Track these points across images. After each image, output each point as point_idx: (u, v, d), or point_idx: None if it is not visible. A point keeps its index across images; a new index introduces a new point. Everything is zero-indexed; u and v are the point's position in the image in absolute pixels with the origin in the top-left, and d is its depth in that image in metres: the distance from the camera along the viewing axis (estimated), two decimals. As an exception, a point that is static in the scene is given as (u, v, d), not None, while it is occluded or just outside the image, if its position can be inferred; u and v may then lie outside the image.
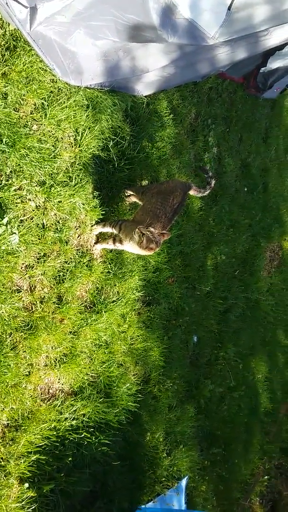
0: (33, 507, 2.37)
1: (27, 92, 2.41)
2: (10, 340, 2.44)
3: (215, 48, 3.37)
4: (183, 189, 2.93)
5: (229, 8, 2.91)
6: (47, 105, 2.53)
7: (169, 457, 3.60)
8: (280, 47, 4.07)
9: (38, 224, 2.56)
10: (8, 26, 2.34)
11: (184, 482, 3.66)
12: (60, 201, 2.63)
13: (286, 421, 6.17)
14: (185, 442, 3.79)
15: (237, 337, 4.76)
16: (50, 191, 2.57)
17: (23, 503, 2.35)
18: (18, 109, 2.42)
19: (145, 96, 3.27)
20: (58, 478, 2.58)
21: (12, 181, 2.38)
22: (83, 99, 2.70)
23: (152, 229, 2.51)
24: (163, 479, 3.50)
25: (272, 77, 4.79)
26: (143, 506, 3.16)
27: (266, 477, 5.46)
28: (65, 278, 2.73)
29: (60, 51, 2.52)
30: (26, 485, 2.40)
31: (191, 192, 3.07)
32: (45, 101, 2.51)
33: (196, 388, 4.09)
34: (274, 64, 4.58)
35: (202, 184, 3.27)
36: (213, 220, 4.35)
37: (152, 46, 2.90)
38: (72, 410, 2.74)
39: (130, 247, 2.72)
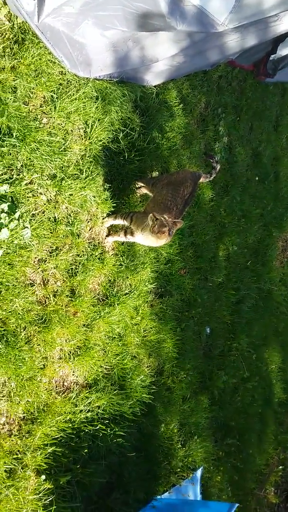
0: (50, 498, 2.40)
1: (36, 85, 2.40)
2: (25, 334, 2.45)
3: (224, 35, 3.33)
4: (193, 179, 2.90)
5: (238, -6, 2.87)
6: (57, 97, 2.51)
7: (183, 448, 3.61)
8: (291, 33, 4.00)
9: (50, 217, 2.56)
10: (16, 19, 2.32)
11: (199, 472, 3.68)
12: (71, 194, 2.63)
13: (300, 411, 6.15)
14: (199, 433, 3.80)
15: (250, 327, 4.73)
16: (61, 184, 2.56)
17: (40, 495, 2.38)
18: (28, 103, 2.41)
19: (155, 86, 3.24)
20: (75, 470, 2.60)
21: (23, 175, 2.38)
22: (92, 91, 2.69)
23: (165, 216, 2.49)
24: (178, 470, 3.51)
25: (282, 63, 4.71)
26: (158, 497, 3.18)
27: (280, 467, 5.45)
28: (77, 271, 2.73)
29: (69, 42, 2.51)
30: (43, 477, 2.42)
31: (201, 180, 3.05)
32: (54, 93, 2.50)
33: (209, 379, 4.09)
34: (284, 50, 4.50)
35: (207, 169, 3.23)
36: (224, 210, 4.31)
37: (161, 35, 2.87)
38: (87, 402, 2.75)
39: (142, 237, 2.70)
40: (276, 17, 3.49)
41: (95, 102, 2.71)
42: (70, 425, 2.62)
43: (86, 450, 2.66)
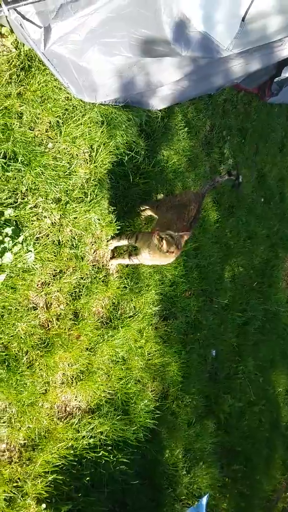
0: (51, 528, 2.34)
1: (42, 110, 2.43)
2: (27, 359, 2.43)
3: (229, 60, 3.36)
4: (197, 201, 2.89)
5: (243, 19, 2.90)
6: (62, 122, 2.54)
7: (188, 475, 3.53)
8: (295, 57, 4.03)
9: (54, 241, 2.56)
10: (23, 46, 2.36)
11: (204, 500, 3.58)
12: (75, 217, 2.64)
13: (308, 435, 6.03)
14: (205, 459, 3.72)
15: (256, 350, 4.68)
16: (65, 207, 2.57)
17: (40, 524, 2.33)
18: (33, 128, 2.43)
19: (160, 110, 3.26)
20: (76, 498, 2.54)
21: (27, 199, 2.39)
22: (97, 116, 2.71)
23: (170, 232, 2.47)
24: (183, 497, 3.43)
25: (286, 83, 4.75)
26: (162, 526, 3.10)
27: (288, 493, 5.32)
28: (81, 294, 2.72)
29: (75, 69, 2.54)
30: (44, 506, 2.37)
31: (210, 189, 3.04)
32: (60, 119, 2.53)
33: (215, 403, 4.02)
34: (288, 73, 4.54)
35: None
36: (230, 231, 4.30)
37: (166, 61, 2.90)
38: (89, 428, 2.71)
39: (149, 257, 2.67)
40: (280, 42, 3.53)
41: (101, 127, 2.74)
42: (72, 451, 2.57)
43: (88, 478, 2.61)
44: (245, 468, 4.37)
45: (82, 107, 2.64)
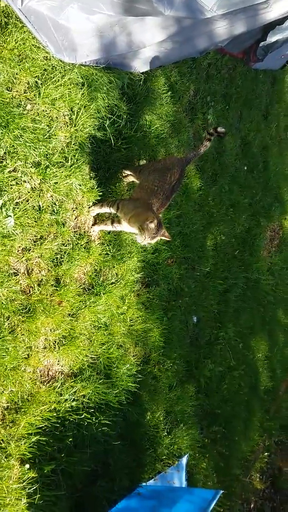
0: (34, 487, 2.40)
1: (20, 70, 2.35)
2: (8, 324, 2.43)
3: (213, 22, 3.28)
4: (180, 165, 2.87)
5: (228, -21, 2.83)
6: (41, 83, 2.46)
7: (169, 436, 3.64)
8: (280, 21, 3.96)
9: (34, 206, 2.52)
10: (-1, 1, 2.26)
11: (184, 460, 3.71)
12: (56, 183, 2.59)
13: (285, 399, 6.23)
14: (185, 421, 3.83)
15: (237, 317, 4.76)
16: (45, 172, 2.52)
17: (24, 483, 2.38)
18: (11, 88, 2.36)
19: (142, 73, 3.18)
20: (59, 459, 2.60)
21: (6, 162, 2.34)
22: (78, 77, 2.63)
23: (152, 226, 2.47)
24: (164, 457, 3.54)
25: (271, 48, 4.67)
26: (144, 484, 3.21)
27: (266, 453, 5.54)
28: (62, 261, 2.71)
29: (53, 27, 2.45)
30: (27, 466, 2.42)
31: (195, 157, 3.00)
32: (38, 79, 2.45)
33: (196, 367, 4.11)
34: (274, 37, 4.46)
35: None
36: (212, 200, 4.30)
37: (148, 21, 2.82)
38: (72, 392, 2.75)
39: (128, 227, 2.69)
40: (266, 4, 3.46)
41: (81, 89, 2.67)
42: (55, 414, 2.61)
43: (71, 439, 2.66)
44: (224, 429, 4.51)
45: (61, 67, 2.56)
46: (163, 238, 2.62)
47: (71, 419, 2.70)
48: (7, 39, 2.29)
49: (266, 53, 4.66)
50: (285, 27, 4.20)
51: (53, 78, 2.51)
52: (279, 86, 5.69)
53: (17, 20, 2.32)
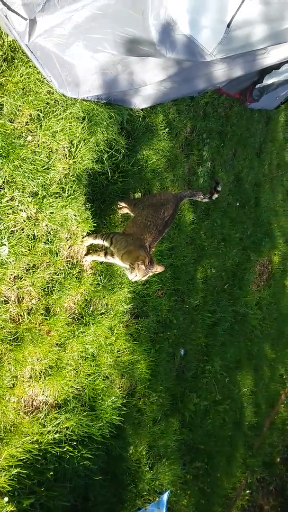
0: (12, 522, 2.34)
1: (23, 103, 2.41)
2: (-4, 352, 2.42)
3: (212, 65, 3.39)
4: (174, 201, 2.93)
5: (228, 26, 2.93)
6: (43, 116, 2.52)
7: (151, 471, 3.58)
8: (278, 66, 4.10)
9: (29, 235, 2.54)
10: (7, 37, 2.33)
11: (165, 496, 3.64)
12: (52, 212, 2.62)
13: (269, 435, 6.18)
14: (168, 456, 3.78)
15: (224, 350, 4.76)
16: (42, 202, 2.55)
17: (1, 517, 2.32)
18: (13, 120, 2.41)
19: (142, 109, 3.27)
20: (39, 492, 2.54)
21: (4, 191, 2.37)
22: (79, 111, 2.70)
23: (143, 267, 2.50)
24: (145, 493, 3.48)
25: (267, 90, 4.83)
26: (123, 521, 3.14)
27: (247, 491, 5.45)
28: (53, 290, 2.71)
29: (58, 62, 2.52)
30: (6, 499, 2.36)
31: (189, 198, 3.09)
32: (41, 112, 2.51)
33: (181, 401, 4.08)
34: (270, 80, 4.61)
35: (204, 191, 3.26)
36: (204, 233, 4.36)
37: (150, 61, 2.91)
38: (55, 423, 2.71)
39: (121, 263, 2.72)
40: (264, 50, 3.58)
41: (82, 123, 2.73)
42: (37, 446, 2.57)
43: (51, 472, 2.61)
44: (207, 465, 4.46)
45: (64, 101, 2.62)
46: (156, 272, 2.64)
47: (53, 452, 2.66)
48: (12, 72, 2.35)
49: (262, 94, 4.81)
50: (281, 71, 4.36)
51: (55, 111, 2.57)
52: (273, 126, 5.85)
53: (23, 55, 2.39)
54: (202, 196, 3.13)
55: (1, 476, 2.39)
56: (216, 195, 3.15)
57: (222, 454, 4.83)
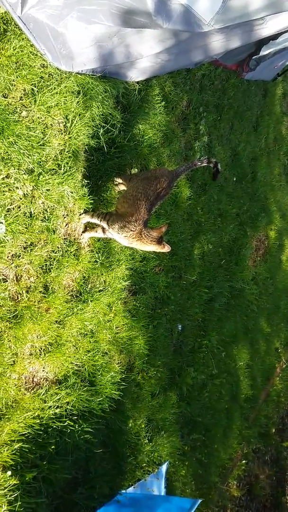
0: (16, 494, 2.39)
1: (17, 77, 2.35)
2: (-5, 330, 2.43)
3: (209, 36, 3.31)
4: (169, 177, 2.88)
5: (225, -5, 2.86)
6: (37, 91, 2.46)
7: (150, 443, 3.66)
8: (275, 37, 4.02)
9: (26, 212, 2.52)
10: (-1, 8, 2.26)
11: (164, 467, 3.73)
12: (48, 190, 2.59)
13: (264, 407, 6.31)
14: (166, 429, 3.85)
15: (220, 325, 4.81)
16: (38, 179, 2.52)
17: (5, 490, 2.37)
18: (7, 95, 2.35)
19: (137, 83, 3.21)
20: (41, 466, 2.60)
21: (-1, 169, 2.33)
22: (74, 85, 2.64)
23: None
24: (144, 464, 3.56)
25: (263, 59, 4.74)
26: (123, 491, 3.22)
27: (243, 461, 5.60)
28: (51, 268, 2.71)
29: (52, 35, 2.45)
30: (9, 473, 2.41)
31: (186, 171, 3.06)
32: (35, 87, 2.45)
33: (179, 375, 4.14)
34: (267, 51, 4.52)
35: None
36: (201, 209, 4.34)
37: (146, 33, 2.83)
38: (56, 399, 2.75)
39: (122, 239, 2.69)
40: (261, 20, 3.50)
41: (77, 97, 2.67)
42: (38, 421, 2.61)
43: (53, 446, 2.66)
44: (204, 437, 4.56)
45: (58, 75, 2.56)
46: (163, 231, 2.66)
47: (54, 426, 2.70)
48: (5, 46, 2.29)
49: (258, 63, 4.72)
50: (279, 41, 4.27)
51: (50, 85, 2.51)
52: (270, 99, 5.77)
53: (16, 27, 2.32)
54: (199, 163, 3.05)
55: (4, 450, 2.43)
56: (219, 175, 3.11)
57: (219, 426, 4.94)
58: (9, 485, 2.39)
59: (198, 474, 4.45)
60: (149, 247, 2.65)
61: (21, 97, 2.42)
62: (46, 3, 2.27)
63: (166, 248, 2.65)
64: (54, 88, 2.54)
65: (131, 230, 2.58)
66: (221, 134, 4.65)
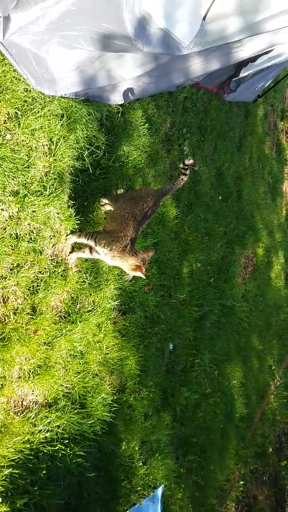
0: (6, 522, 2.33)
1: (0, 101, 2.39)
2: (-17, 353, 2.40)
3: (189, 59, 3.41)
4: (155, 195, 2.93)
5: (203, 19, 2.95)
6: (21, 114, 2.50)
7: (144, 466, 3.59)
8: (253, 59, 4.14)
9: (12, 234, 2.53)
10: (-19, 35, 2.31)
11: (160, 490, 3.66)
12: (34, 211, 2.61)
13: (260, 426, 6.24)
14: (160, 450, 3.79)
15: (212, 343, 4.80)
16: (23, 201, 2.54)
17: (-5, 519, 2.31)
18: (-9, 119, 2.39)
19: (120, 105, 3.27)
20: (32, 492, 2.53)
21: (-16, 191, 2.35)
22: (57, 109, 2.69)
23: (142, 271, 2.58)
24: (139, 488, 3.49)
25: (243, 81, 4.87)
26: (118, 517, 3.15)
27: (241, 482, 5.50)
28: (39, 289, 2.70)
29: (34, 60, 2.51)
30: (-1, 500, 2.36)
31: (173, 190, 3.07)
32: (19, 110, 2.49)
33: (172, 395, 4.10)
34: (246, 73, 4.65)
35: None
36: (188, 228, 4.38)
37: (127, 57, 2.91)
38: (46, 422, 2.70)
39: (109, 259, 2.71)
40: (239, 43, 3.61)
41: (60, 120, 2.72)
42: (28, 445, 2.56)
43: (44, 471, 2.60)
44: (200, 458, 4.49)
45: (41, 99, 2.61)
46: (150, 257, 2.66)
47: (45, 451, 2.65)
48: (-12, 71, 2.34)
49: (239, 85, 4.85)
50: (257, 63, 4.40)
51: (33, 109, 2.56)
52: (252, 119, 5.90)
53: (-1, 53, 2.37)
54: (184, 180, 3.06)
55: (-7, 477, 2.38)
56: (195, 168, 3.07)
57: (214, 447, 4.87)
58: (0, 512, 2.33)
59: (195, 497, 4.36)
60: (129, 263, 2.64)
61: (5, 120, 2.46)
62: (27, 29, 2.33)
63: (142, 273, 2.65)
64: (38, 112, 2.59)
65: (118, 244, 2.60)
66: (205, 154, 4.73)
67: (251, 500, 5.71)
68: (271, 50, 3.98)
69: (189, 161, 3.00)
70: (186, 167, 2.99)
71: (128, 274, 2.72)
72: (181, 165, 3.02)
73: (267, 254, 6.36)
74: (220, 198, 5.04)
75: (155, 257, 3.81)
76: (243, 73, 4.52)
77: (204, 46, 3.21)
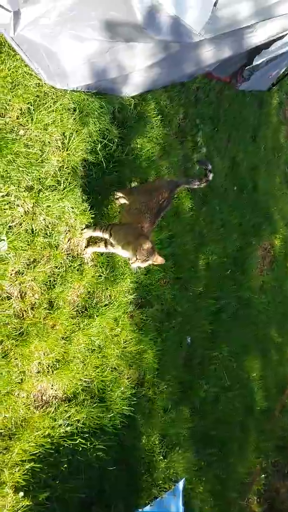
0: (29, 516, 2.35)
1: (13, 97, 2.39)
2: (1, 348, 2.41)
3: (201, 46, 3.37)
4: (169, 187, 2.90)
5: (214, 4, 2.90)
6: (33, 109, 2.50)
7: (165, 460, 3.58)
8: (266, 46, 4.07)
9: (27, 229, 2.53)
10: (-8, 30, 2.31)
11: (181, 484, 3.64)
12: (49, 206, 2.61)
13: (281, 418, 6.18)
14: (181, 444, 3.78)
15: (230, 336, 4.75)
16: (38, 196, 2.54)
17: (18, 512, 2.33)
18: (4, 115, 2.39)
19: (132, 97, 3.25)
20: (54, 486, 2.55)
21: (-1, 187, 2.35)
22: (69, 103, 2.68)
23: (145, 247, 2.49)
24: (160, 482, 3.48)
25: (257, 69, 4.79)
26: (140, 510, 3.14)
27: (263, 475, 5.46)
28: (56, 283, 2.70)
29: (46, 54, 2.50)
30: (21, 494, 2.37)
31: (185, 186, 3.04)
32: (31, 105, 2.49)
33: (190, 389, 4.08)
34: (260, 61, 4.57)
35: (199, 177, 3.16)
36: (203, 220, 4.34)
37: (137, 46, 2.89)
38: (66, 417, 2.72)
39: (123, 252, 2.70)
40: (251, 28, 3.55)
41: (73, 114, 2.71)
42: (49, 440, 2.58)
43: (65, 465, 2.62)
44: (220, 451, 4.46)
45: (53, 93, 2.61)
46: (156, 262, 2.62)
47: (65, 445, 2.66)
48: (0, 67, 2.33)
49: (252, 73, 4.77)
50: (271, 50, 4.32)
51: (45, 104, 2.55)
52: (266, 108, 5.81)
53: (10, 49, 2.37)
54: (198, 183, 3.07)
55: (16, 471, 2.39)
56: (211, 175, 3.06)
57: (234, 440, 4.83)
58: (22, 506, 2.36)
59: (216, 490, 4.34)
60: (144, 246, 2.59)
61: (18, 116, 2.46)
62: (37, 23, 2.32)
63: (159, 260, 2.61)
64: (50, 106, 2.58)
65: (134, 231, 2.57)
66: (219, 145, 4.67)
67: (273, 493, 5.65)
68: (285, 36, 3.91)
69: (208, 167, 3.00)
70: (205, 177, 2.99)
71: (135, 262, 2.60)
72: (206, 167, 3.00)
73: (285, 245, 6.26)
74: (235, 189, 4.98)
75: (170, 250, 3.78)
76: (256, 61, 4.44)
77: (215, 33, 3.16)
